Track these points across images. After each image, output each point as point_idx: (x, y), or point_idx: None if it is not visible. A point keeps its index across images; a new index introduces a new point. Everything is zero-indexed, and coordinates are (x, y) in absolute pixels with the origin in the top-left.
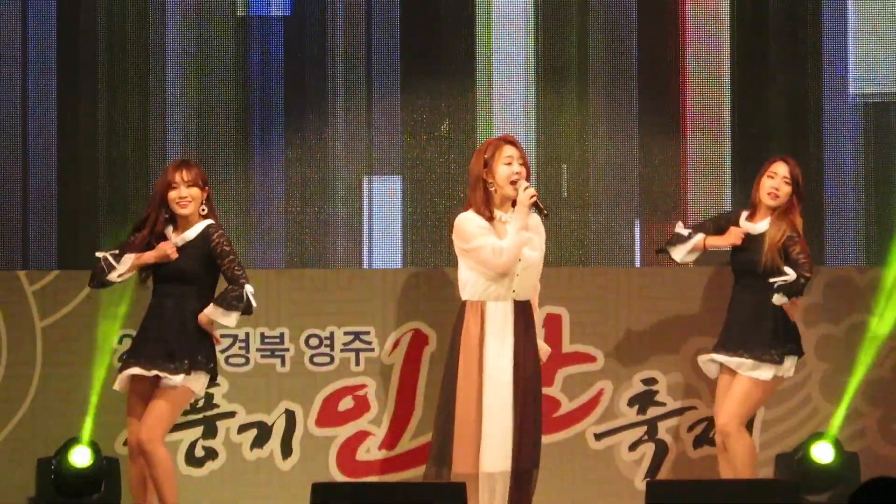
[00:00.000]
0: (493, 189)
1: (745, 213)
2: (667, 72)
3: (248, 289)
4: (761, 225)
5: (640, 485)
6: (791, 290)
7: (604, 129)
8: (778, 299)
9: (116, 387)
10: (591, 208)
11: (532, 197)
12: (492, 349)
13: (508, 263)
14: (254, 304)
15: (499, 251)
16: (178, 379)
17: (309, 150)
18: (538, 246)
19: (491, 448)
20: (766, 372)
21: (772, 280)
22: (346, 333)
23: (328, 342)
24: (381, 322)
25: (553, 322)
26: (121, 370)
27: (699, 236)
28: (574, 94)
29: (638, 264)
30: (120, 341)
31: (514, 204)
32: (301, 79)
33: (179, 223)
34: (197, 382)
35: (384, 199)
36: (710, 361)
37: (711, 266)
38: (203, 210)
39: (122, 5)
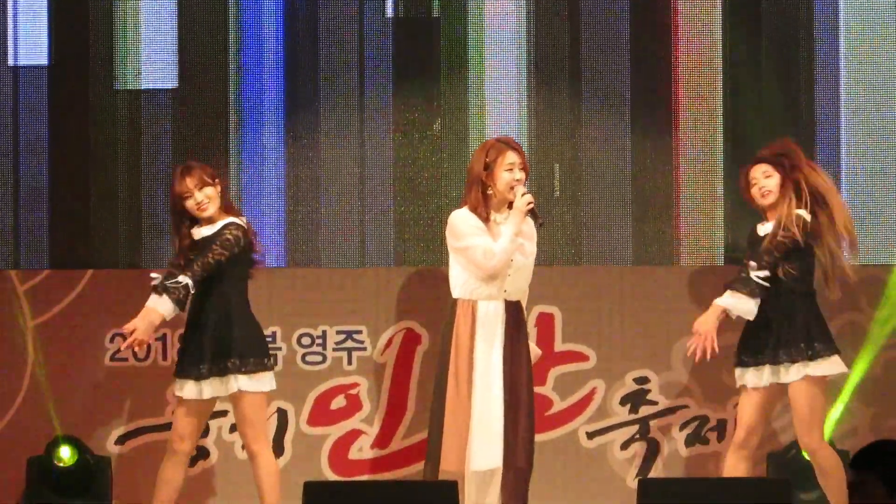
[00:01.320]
0: (491, 192)
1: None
2: (659, 70)
3: (186, 281)
4: (768, 226)
5: (632, 483)
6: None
7: (596, 128)
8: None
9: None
10: (583, 207)
11: (529, 204)
12: (482, 348)
13: (498, 266)
14: (186, 303)
15: (490, 254)
16: (248, 385)
17: (301, 148)
18: (529, 251)
19: (480, 446)
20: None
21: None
22: (338, 332)
23: (320, 341)
24: (374, 321)
25: (545, 321)
26: (177, 375)
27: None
28: (566, 92)
29: (630, 263)
30: (111, 340)
31: (510, 206)
32: (294, 76)
33: (203, 223)
34: (264, 381)
35: (376, 197)
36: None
37: (703, 266)
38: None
39: None
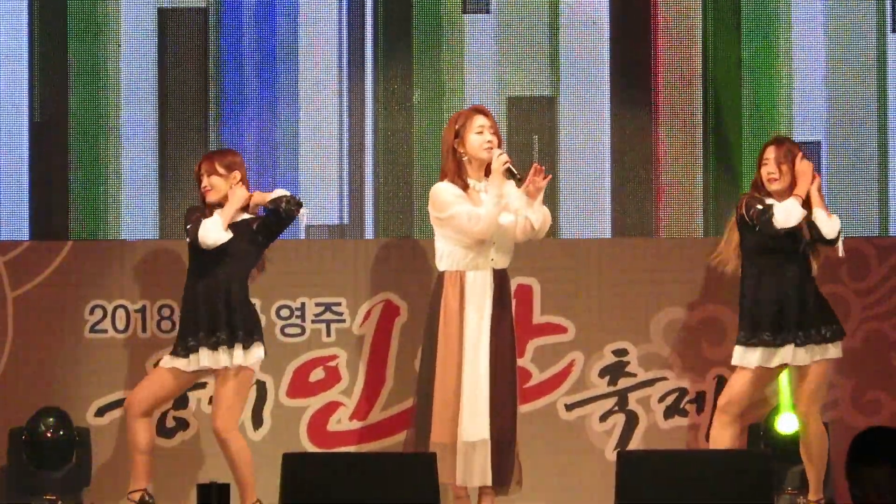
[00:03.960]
0: (465, 159)
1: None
2: (639, 41)
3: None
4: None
5: (611, 455)
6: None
7: (575, 100)
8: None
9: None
10: (562, 179)
11: (505, 163)
12: (471, 319)
13: (485, 230)
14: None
15: (475, 218)
16: (236, 361)
17: (280, 120)
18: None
19: (470, 417)
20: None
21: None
22: (317, 304)
23: (299, 313)
24: (353, 293)
25: (524, 293)
26: (176, 354)
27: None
28: (545, 63)
29: (609, 235)
30: (91, 311)
31: (487, 173)
32: (273, 48)
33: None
34: (252, 358)
35: (355, 169)
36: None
37: (682, 238)
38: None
39: None
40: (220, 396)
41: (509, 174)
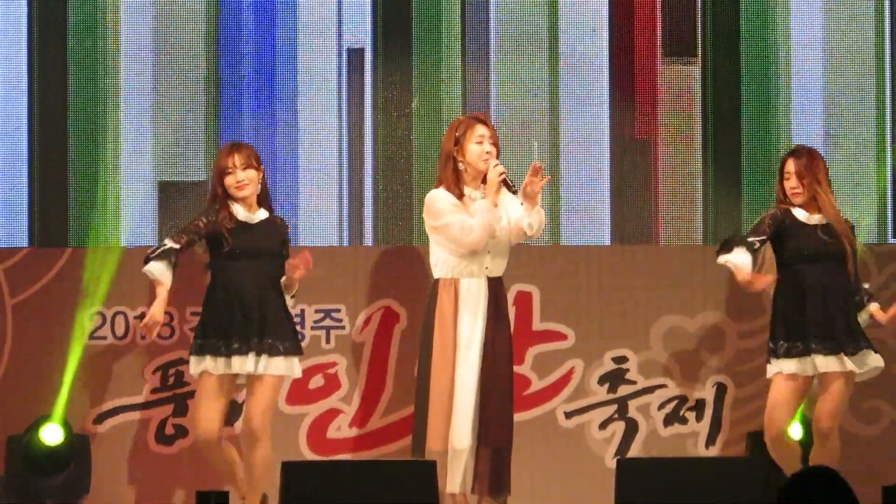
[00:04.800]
0: (463, 168)
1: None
2: (638, 46)
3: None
4: (816, 217)
5: (611, 463)
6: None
7: (574, 106)
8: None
9: (196, 371)
10: (561, 186)
11: (501, 174)
12: (465, 326)
13: (478, 240)
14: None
15: (468, 228)
16: (281, 367)
17: (279, 125)
18: (506, 221)
19: (459, 425)
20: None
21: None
22: (316, 311)
23: (299, 320)
24: (352, 299)
25: (523, 300)
26: (200, 353)
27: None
28: (545, 70)
29: (609, 242)
30: (91, 318)
31: (484, 181)
32: (271, 53)
33: (240, 206)
34: (293, 365)
35: (355, 175)
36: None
37: (681, 245)
38: (258, 189)
39: None
40: (259, 399)
41: (504, 185)
